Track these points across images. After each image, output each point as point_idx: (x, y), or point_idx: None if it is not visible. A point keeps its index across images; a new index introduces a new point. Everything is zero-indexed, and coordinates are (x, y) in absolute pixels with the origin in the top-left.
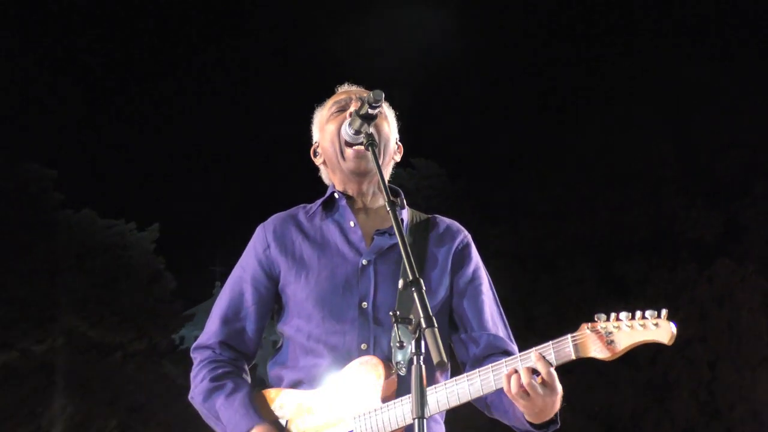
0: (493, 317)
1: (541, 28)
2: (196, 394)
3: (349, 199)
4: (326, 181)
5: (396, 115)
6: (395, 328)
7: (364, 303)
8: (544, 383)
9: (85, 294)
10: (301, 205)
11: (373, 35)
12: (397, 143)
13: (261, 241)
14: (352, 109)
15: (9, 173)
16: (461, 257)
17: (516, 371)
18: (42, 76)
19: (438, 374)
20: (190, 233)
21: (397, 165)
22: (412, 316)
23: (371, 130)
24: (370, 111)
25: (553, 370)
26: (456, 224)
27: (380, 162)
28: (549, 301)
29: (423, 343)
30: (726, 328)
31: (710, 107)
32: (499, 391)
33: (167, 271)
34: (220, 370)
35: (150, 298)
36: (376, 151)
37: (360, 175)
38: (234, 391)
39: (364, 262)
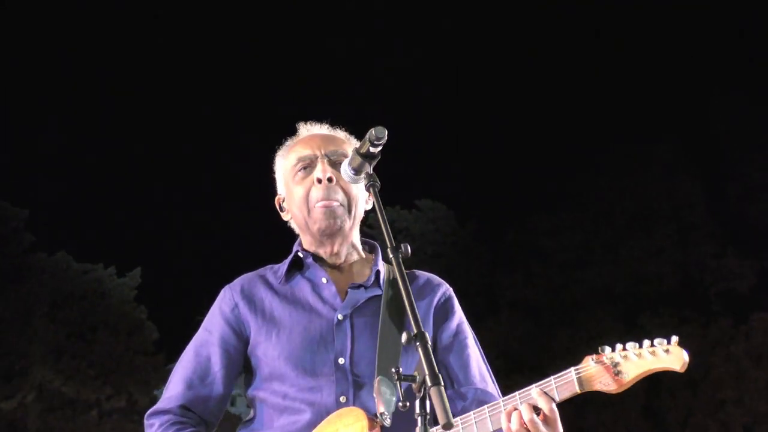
0: (480, 372)
1: (559, 62)
2: None
3: (318, 258)
4: (296, 230)
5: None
6: (397, 386)
7: (341, 359)
8: (546, 420)
9: (58, 345)
10: (269, 266)
11: (374, 63)
12: (367, 189)
13: (227, 301)
14: (318, 173)
15: None
16: (443, 311)
17: (516, 409)
18: (13, 105)
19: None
20: (175, 280)
21: (401, 207)
22: (416, 374)
23: (371, 170)
24: (372, 150)
25: (555, 406)
26: (436, 278)
27: (350, 223)
28: (566, 359)
29: (429, 402)
30: (764, 388)
31: (741, 145)
32: None
33: (149, 321)
34: (190, 429)
35: (130, 350)
36: (345, 220)
37: (331, 236)
38: None
39: (340, 317)
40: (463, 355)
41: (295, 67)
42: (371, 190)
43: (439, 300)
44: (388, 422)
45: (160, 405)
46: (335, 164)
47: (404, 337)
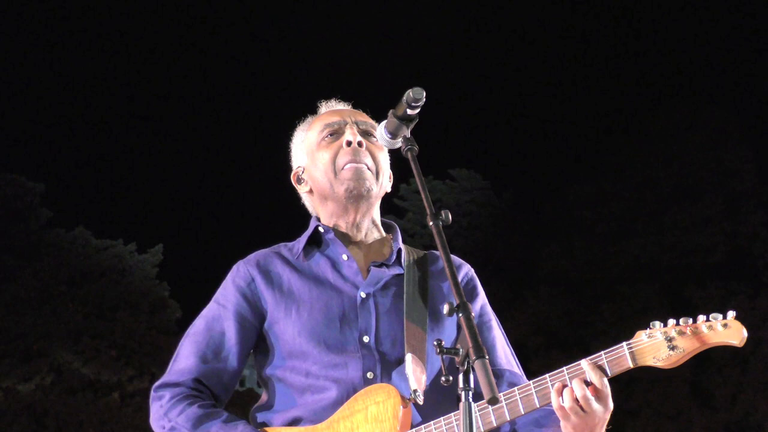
0: (506, 355)
1: (601, 25)
2: (179, 423)
3: (338, 232)
4: (310, 209)
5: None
6: (441, 359)
7: (366, 337)
8: (598, 396)
9: (77, 325)
10: (281, 244)
11: (410, 27)
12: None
13: (243, 274)
14: (348, 137)
15: None
16: (467, 292)
17: (566, 385)
18: (29, 77)
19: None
20: (198, 255)
21: (434, 177)
22: (458, 346)
23: (409, 133)
24: (409, 112)
25: (606, 381)
26: (456, 258)
27: (376, 190)
28: (609, 334)
29: (472, 376)
30: None
31: None
32: (533, 420)
33: (172, 299)
34: (207, 401)
35: (152, 329)
36: (373, 185)
37: (357, 199)
38: (232, 419)
39: (363, 294)
40: (489, 337)
41: (323, 36)
42: (409, 154)
43: (462, 280)
44: (420, 399)
45: (169, 377)
46: (364, 133)
47: (446, 308)
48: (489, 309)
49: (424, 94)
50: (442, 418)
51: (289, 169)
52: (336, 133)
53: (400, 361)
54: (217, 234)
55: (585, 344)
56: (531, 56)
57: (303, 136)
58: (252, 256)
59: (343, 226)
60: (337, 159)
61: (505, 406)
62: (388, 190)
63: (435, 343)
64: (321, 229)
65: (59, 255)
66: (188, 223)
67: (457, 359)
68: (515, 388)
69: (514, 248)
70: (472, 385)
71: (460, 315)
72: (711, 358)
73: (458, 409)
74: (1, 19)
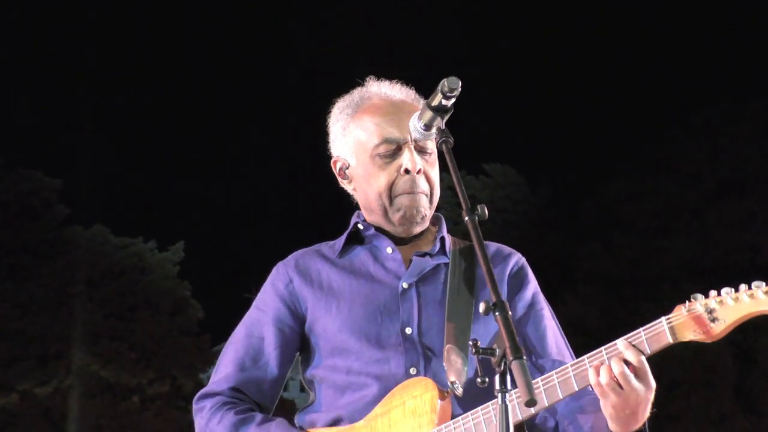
0: (558, 344)
1: (643, 15)
2: None
3: (381, 229)
4: (354, 197)
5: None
6: (476, 360)
7: (408, 329)
8: (636, 373)
9: (96, 326)
10: (323, 243)
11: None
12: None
13: (281, 276)
14: (406, 163)
15: (5, 183)
16: (518, 280)
17: (603, 363)
18: (44, 70)
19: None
20: (221, 254)
21: (468, 172)
22: (495, 346)
23: (444, 124)
24: (444, 102)
25: (644, 359)
26: (506, 247)
27: (431, 212)
28: None
29: (509, 378)
30: None
31: None
32: (577, 407)
33: (193, 299)
34: (244, 406)
35: (173, 330)
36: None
37: (411, 224)
38: (267, 420)
39: (405, 285)
40: (540, 327)
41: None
42: (443, 146)
43: (512, 269)
44: (459, 391)
45: (209, 388)
46: (421, 150)
47: (482, 306)
48: (541, 297)
49: (460, 83)
50: (479, 407)
51: (323, 144)
52: (393, 154)
53: (441, 356)
54: (240, 231)
55: None
56: (569, 48)
57: (349, 126)
58: (291, 257)
59: (390, 230)
60: (395, 185)
61: (543, 391)
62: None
63: (471, 343)
64: (361, 226)
65: (77, 253)
66: (210, 219)
67: (493, 360)
68: (553, 371)
69: (551, 246)
70: (509, 386)
71: (497, 314)
72: (756, 360)
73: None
74: (16, 15)
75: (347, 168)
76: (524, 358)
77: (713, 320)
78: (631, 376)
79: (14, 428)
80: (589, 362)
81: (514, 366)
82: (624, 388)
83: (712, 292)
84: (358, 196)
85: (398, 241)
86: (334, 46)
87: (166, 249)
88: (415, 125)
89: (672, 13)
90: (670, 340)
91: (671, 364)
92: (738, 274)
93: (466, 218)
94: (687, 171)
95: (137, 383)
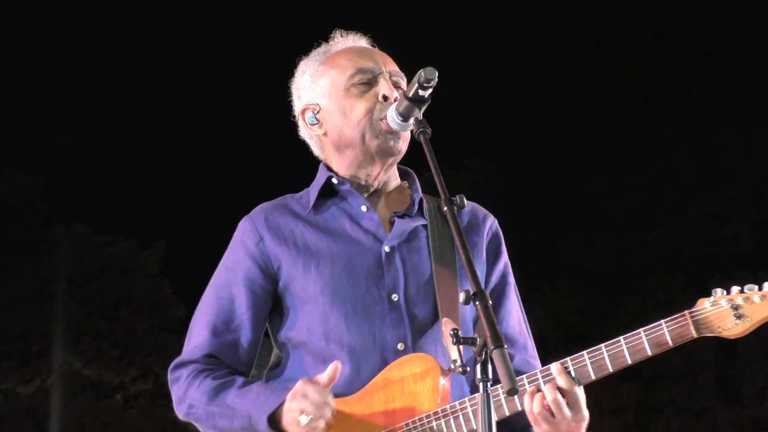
0: (520, 323)
1: (621, 11)
2: (196, 400)
3: (354, 183)
4: (317, 152)
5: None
6: (458, 349)
7: (394, 295)
8: (569, 403)
9: (78, 325)
10: (287, 195)
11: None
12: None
13: (250, 233)
14: (383, 90)
15: None
16: (494, 246)
17: (539, 390)
18: (24, 69)
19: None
20: (202, 251)
21: (447, 167)
22: (476, 335)
23: (421, 115)
24: (421, 93)
25: (577, 387)
26: (480, 208)
27: (405, 147)
28: (632, 328)
29: (490, 367)
30: None
31: None
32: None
33: (175, 297)
34: (221, 371)
35: (155, 328)
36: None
37: (387, 155)
38: (247, 383)
39: (387, 249)
40: (507, 303)
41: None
42: (421, 137)
43: (488, 233)
44: (464, 371)
45: (183, 356)
46: (396, 86)
47: (462, 296)
48: (510, 270)
49: (437, 74)
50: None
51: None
52: (369, 82)
53: (432, 324)
54: (222, 229)
55: (606, 339)
56: (549, 42)
57: (318, 70)
58: (258, 211)
59: (362, 178)
60: (374, 114)
61: (471, 412)
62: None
63: (451, 332)
64: (334, 180)
65: (58, 252)
66: (191, 218)
67: (474, 349)
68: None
69: (532, 240)
70: (490, 375)
71: (477, 304)
72: (738, 351)
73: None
74: None
75: (317, 112)
76: (505, 347)
77: (739, 317)
78: (563, 404)
79: None
80: (528, 382)
81: (495, 355)
82: (556, 416)
83: (734, 288)
84: (330, 139)
85: (371, 197)
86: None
87: (147, 248)
88: (392, 116)
89: (652, 8)
90: (694, 335)
91: (652, 357)
92: (718, 266)
93: (445, 208)
94: (666, 164)
95: (120, 381)
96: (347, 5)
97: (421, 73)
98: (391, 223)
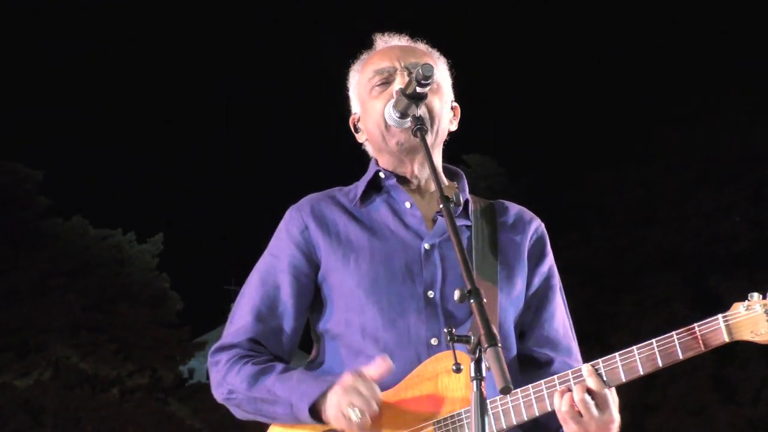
0: (564, 325)
1: (624, 8)
2: (236, 385)
3: (400, 178)
4: (371, 154)
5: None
6: (452, 349)
7: (430, 292)
8: (598, 403)
9: (76, 318)
10: (336, 188)
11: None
12: (452, 108)
13: (296, 222)
14: (397, 86)
15: None
16: (538, 249)
17: (569, 390)
18: (26, 64)
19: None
20: (200, 245)
21: (448, 163)
22: (470, 333)
23: (419, 111)
24: (419, 90)
25: (608, 389)
26: (527, 210)
27: (431, 139)
28: (630, 326)
29: (484, 365)
30: None
31: None
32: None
33: (173, 291)
34: (262, 357)
35: (153, 322)
36: (426, 136)
37: (410, 151)
38: (288, 370)
39: (427, 246)
40: (550, 306)
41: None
42: (419, 134)
43: (533, 236)
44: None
45: (225, 340)
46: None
47: (457, 294)
48: (556, 270)
49: (434, 70)
50: (518, 390)
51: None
52: (387, 81)
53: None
54: (220, 223)
55: (605, 336)
56: (550, 39)
57: (357, 79)
58: (305, 201)
59: (403, 175)
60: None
61: (501, 413)
62: (453, 128)
63: (445, 331)
64: (382, 174)
65: (57, 245)
66: (189, 211)
67: (468, 347)
68: (542, 381)
69: None
70: (483, 373)
71: (472, 301)
72: (735, 351)
73: (537, 379)
74: None
75: (358, 120)
76: (499, 345)
77: None
78: (592, 405)
79: None
80: (547, 388)
81: (489, 353)
82: (584, 416)
83: None
84: (370, 143)
85: (416, 194)
86: (301, 41)
87: (145, 241)
88: (390, 113)
89: (653, 5)
90: (726, 339)
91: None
92: (716, 264)
93: (440, 206)
94: (665, 162)
95: (117, 375)
96: (347, 5)
97: (419, 70)
98: (434, 221)
